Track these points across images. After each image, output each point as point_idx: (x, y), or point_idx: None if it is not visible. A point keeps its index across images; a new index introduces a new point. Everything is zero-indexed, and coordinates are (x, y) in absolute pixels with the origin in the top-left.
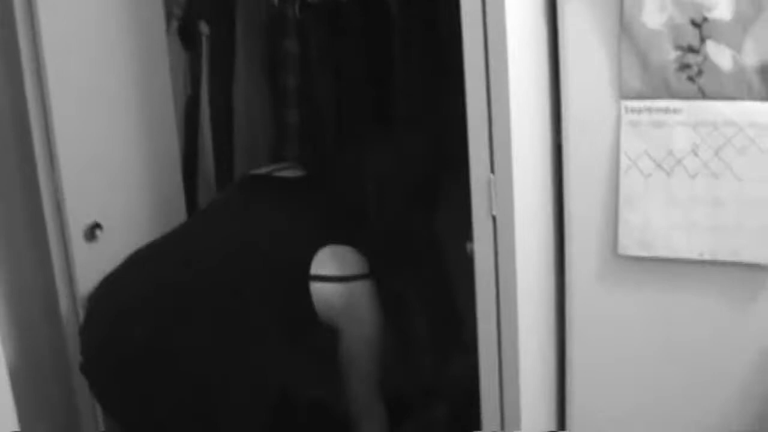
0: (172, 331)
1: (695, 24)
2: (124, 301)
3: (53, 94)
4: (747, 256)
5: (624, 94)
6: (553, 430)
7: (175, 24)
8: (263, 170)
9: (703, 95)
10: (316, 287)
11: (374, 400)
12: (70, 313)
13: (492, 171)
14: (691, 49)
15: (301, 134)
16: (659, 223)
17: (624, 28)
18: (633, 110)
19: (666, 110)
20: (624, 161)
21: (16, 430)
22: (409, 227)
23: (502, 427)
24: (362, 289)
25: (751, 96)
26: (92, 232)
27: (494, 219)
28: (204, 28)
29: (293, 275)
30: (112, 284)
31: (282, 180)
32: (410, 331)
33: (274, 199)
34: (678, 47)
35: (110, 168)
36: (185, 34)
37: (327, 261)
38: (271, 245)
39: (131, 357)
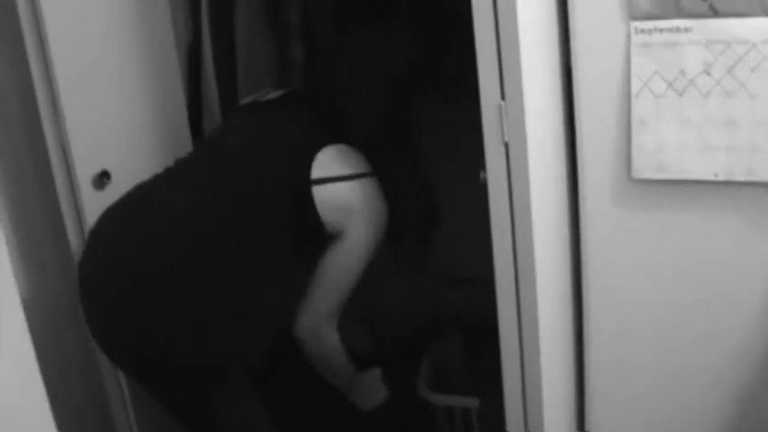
0: (188, 254)
1: None
2: (130, 227)
3: (53, 41)
4: (762, 176)
5: (633, 14)
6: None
7: None
8: (248, 99)
9: (715, 13)
10: (319, 190)
11: (332, 320)
12: None
13: (503, 97)
14: None
15: (306, 69)
16: (672, 144)
17: None
18: (643, 31)
19: (677, 29)
20: (635, 83)
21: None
22: (396, 121)
23: (522, 360)
24: (368, 187)
25: (765, 12)
26: (101, 180)
27: (506, 146)
28: None
29: (297, 183)
30: (115, 212)
31: (267, 101)
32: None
33: (265, 119)
34: None
35: (116, 115)
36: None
37: (329, 162)
38: (272, 160)
39: (141, 282)
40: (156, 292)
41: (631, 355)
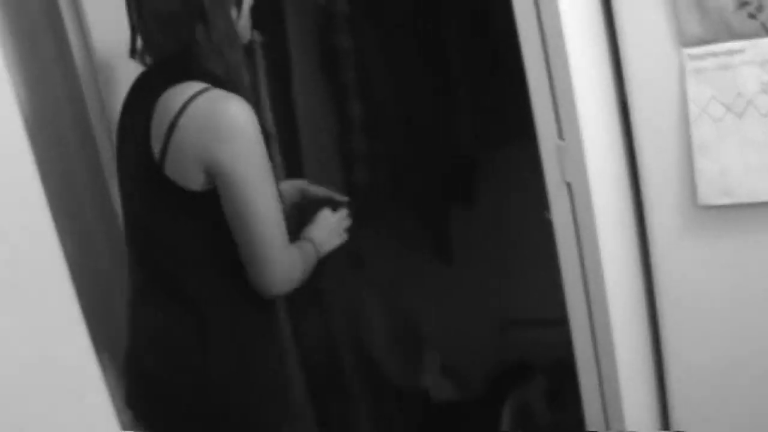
0: None
1: None
2: None
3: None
4: None
5: (684, 41)
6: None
7: None
8: None
9: (767, 31)
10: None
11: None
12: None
13: (561, 137)
14: None
15: (364, 125)
16: (736, 167)
17: None
18: (696, 57)
19: (730, 52)
20: (693, 109)
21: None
22: None
23: (603, 402)
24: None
25: None
26: None
27: (569, 186)
28: (256, 35)
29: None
30: None
31: None
32: None
33: None
34: None
35: None
36: None
37: None
38: None
39: None
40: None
41: (712, 384)
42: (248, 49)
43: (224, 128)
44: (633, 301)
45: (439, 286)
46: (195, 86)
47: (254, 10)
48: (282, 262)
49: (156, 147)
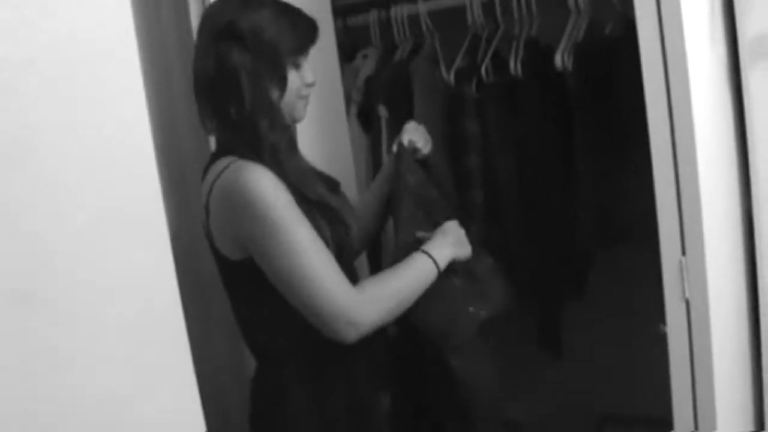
0: None
1: None
2: None
3: None
4: None
5: None
6: None
7: (354, 108)
8: None
9: None
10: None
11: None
12: None
13: (683, 252)
14: None
15: (485, 213)
16: None
17: None
18: None
19: None
20: None
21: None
22: None
23: None
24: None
25: None
26: None
27: (687, 302)
28: (383, 111)
29: None
30: None
31: None
32: None
33: None
34: None
35: None
36: (364, 118)
37: None
38: None
39: None
40: None
41: None
42: (373, 123)
43: (240, 200)
44: (743, 420)
45: (540, 376)
46: (225, 162)
47: (383, 85)
48: (346, 310)
49: (205, 224)
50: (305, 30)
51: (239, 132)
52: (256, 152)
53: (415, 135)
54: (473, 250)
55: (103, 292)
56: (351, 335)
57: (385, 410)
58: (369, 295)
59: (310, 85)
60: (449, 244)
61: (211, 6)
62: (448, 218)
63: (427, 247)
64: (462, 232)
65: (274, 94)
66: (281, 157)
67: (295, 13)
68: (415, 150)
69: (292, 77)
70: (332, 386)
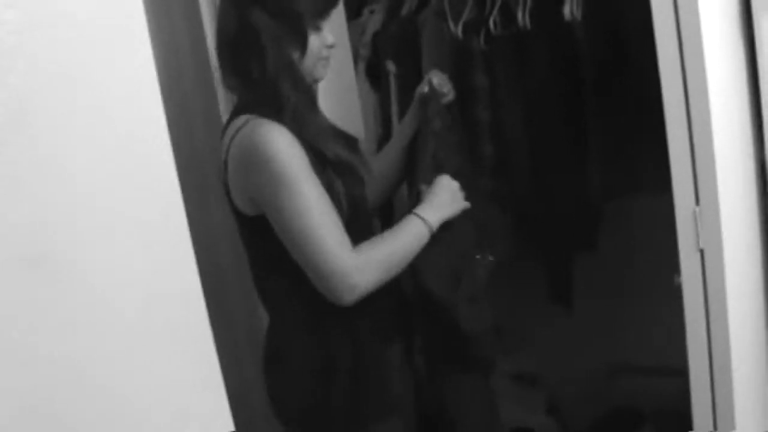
0: None
1: None
2: None
3: None
4: None
5: None
6: None
7: (362, 65)
8: None
9: None
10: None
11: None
12: None
13: (697, 203)
14: None
15: (495, 166)
16: None
17: None
18: None
19: None
20: None
21: None
22: None
23: None
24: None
25: None
26: None
27: (702, 253)
28: (391, 66)
29: None
30: None
31: None
32: None
33: None
34: None
35: None
36: (373, 74)
37: None
38: None
39: None
40: None
41: None
42: (382, 79)
43: (255, 157)
44: (757, 371)
45: (552, 328)
46: (244, 119)
47: (391, 40)
48: (343, 272)
49: (224, 179)
50: None
51: (261, 91)
52: (277, 111)
53: (442, 80)
54: (477, 198)
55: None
56: (346, 296)
57: (394, 362)
58: (365, 258)
59: (330, 47)
60: (442, 204)
61: None
62: (460, 169)
63: (420, 209)
64: (455, 185)
65: (295, 54)
66: (302, 116)
67: None
68: (440, 95)
69: (313, 39)
70: (336, 338)
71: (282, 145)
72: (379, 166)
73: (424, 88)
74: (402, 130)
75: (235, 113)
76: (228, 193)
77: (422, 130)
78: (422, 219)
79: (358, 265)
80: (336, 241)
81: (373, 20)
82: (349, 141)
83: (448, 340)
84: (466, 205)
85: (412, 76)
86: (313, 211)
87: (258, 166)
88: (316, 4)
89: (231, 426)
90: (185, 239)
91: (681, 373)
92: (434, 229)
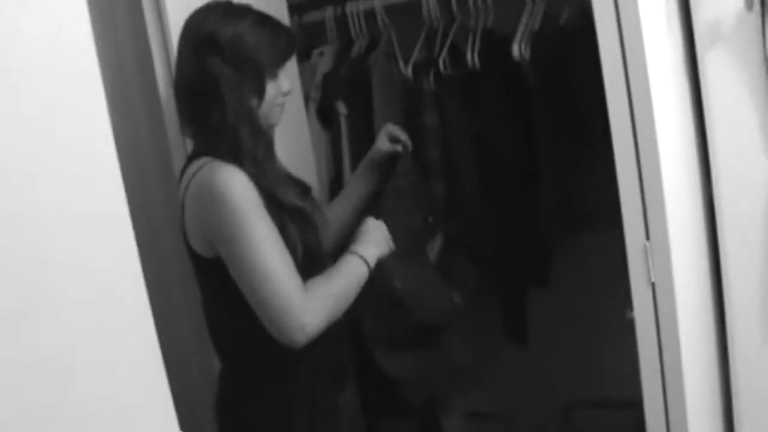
0: None
1: None
2: None
3: None
4: None
5: None
6: None
7: (313, 106)
8: None
9: None
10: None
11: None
12: None
13: (647, 237)
14: None
15: (446, 205)
16: None
17: None
18: None
19: None
20: None
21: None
22: None
23: None
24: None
25: None
26: None
27: (653, 286)
28: (341, 108)
29: None
30: None
31: None
32: None
33: None
34: None
35: None
36: (324, 116)
37: None
38: None
39: None
40: None
41: None
42: (332, 120)
43: (211, 197)
44: (711, 407)
45: (507, 364)
46: (203, 161)
47: (341, 81)
48: (295, 310)
49: (180, 222)
50: (284, 42)
51: (220, 138)
52: (236, 157)
53: (399, 131)
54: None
55: (72, 299)
56: (298, 336)
57: (349, 408)
58: (313, 296)
59: (286, 94)
60: (373, 242)
61: (194, 15)
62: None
63: (354, 247)
64: (384, 227)
65: (254, 102)
66: (261, 164)
67: (275, 25)
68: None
69: (270, 87)
70: (291, 385)
71: (237, 186)
72: (334, 214)
73: (396, 147)
74: (356, 187)
75: (194, 155)
76: (185, 234)
77: (388, 186)
78: (360, 257)
79: (308, 304)
80: (287, 279)
81: (323, 62)
82: (303, 189)
83: (379, 387)
84: (392, 246)
85: (362, 116)
86: (267, 250)
87: (214, 204)
88: (274, 53)
89: None
90: (141, 290)
91: (636, 405)
92: (372, 267)
